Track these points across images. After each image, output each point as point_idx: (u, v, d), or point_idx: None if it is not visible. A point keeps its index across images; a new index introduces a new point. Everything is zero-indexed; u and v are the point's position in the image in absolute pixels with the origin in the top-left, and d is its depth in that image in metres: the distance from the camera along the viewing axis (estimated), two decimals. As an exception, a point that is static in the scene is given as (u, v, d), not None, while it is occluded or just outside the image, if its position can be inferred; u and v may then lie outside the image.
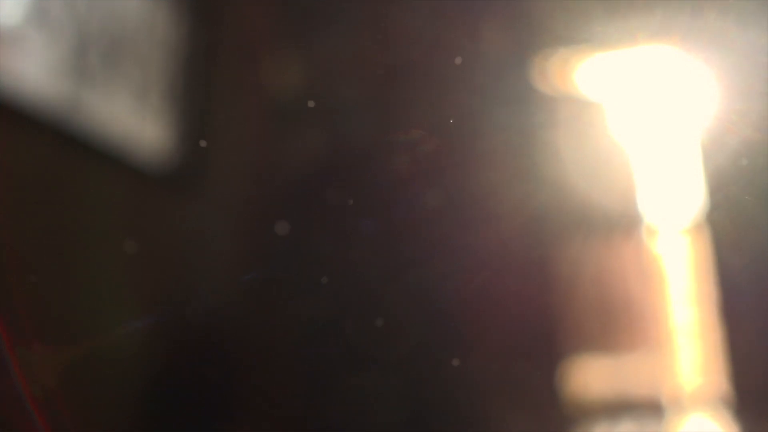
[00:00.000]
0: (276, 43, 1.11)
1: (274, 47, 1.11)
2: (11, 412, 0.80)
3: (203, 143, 1.07)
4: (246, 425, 0.93)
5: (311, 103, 1.03)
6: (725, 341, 1.03)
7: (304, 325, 0.99)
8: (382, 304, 0.97)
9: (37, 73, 0.96)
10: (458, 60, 0.93)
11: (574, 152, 0.98)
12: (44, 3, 0.98)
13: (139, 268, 0.99)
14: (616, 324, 1.06)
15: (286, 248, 1.01)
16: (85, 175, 1.00)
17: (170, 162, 1.08)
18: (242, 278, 0.97)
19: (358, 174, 1.00)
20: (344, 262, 0.97)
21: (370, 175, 0.98)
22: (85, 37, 1.02)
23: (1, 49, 0.94)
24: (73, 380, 0.90)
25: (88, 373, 0.91)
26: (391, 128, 1.00)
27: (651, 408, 1.05)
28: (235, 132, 1.12)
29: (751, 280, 0.95)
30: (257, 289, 0.97)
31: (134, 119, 1.06)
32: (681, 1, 0.91)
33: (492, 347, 0.99)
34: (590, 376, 1.07)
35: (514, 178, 0.95)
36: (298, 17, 1.09)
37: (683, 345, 1.06)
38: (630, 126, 1.01)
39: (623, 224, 1.03)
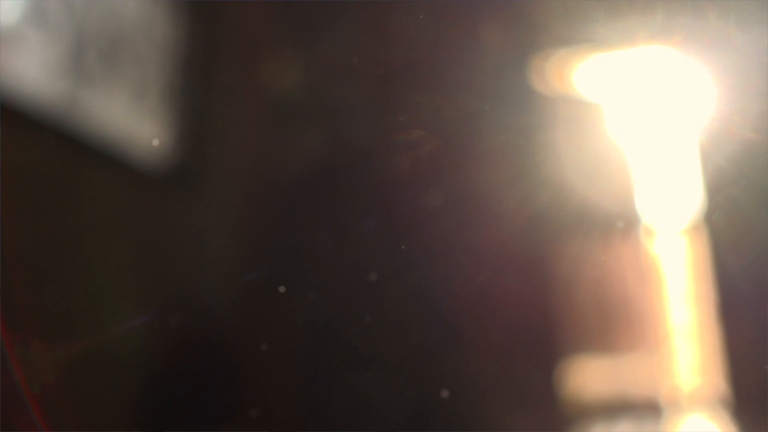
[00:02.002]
0: (276, 43, 1.11)
1: (274, 47, 1.11)
2: (11, 410, 0.80)
3: (156, 142, 1.06)
4: (246, 424, 0.93)
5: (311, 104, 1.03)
6: (723, 342, 1.03)
7: (305, 325, 0.99)
8: (382, 304, 0.97)
9: (37, 73, 0.96)
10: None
11: (574, 152, 0.98)
12: (43, 3, 0.98)
13: (139, 267, 0.99)
14: (614, 324, 1.06)
15: (286, 248, 1.01)
16: (84, 175, 1.00)
17: (170, 162, 1.08)
18: (243, 278, 0.97)
19: (358, 174, 1.00)
20: (344, 262, 0.97)
21: (370, 175, 0.98)
22: (84, 37, 1.02)
23: (1, 49, 0.94)
24: (73, 378, 0.90)
25: (88, 371, 0.91)
26: (391, 128, 1.00)
27: (649, 408, 1.05)
28: (234, 132, 1.12)
29: (749, 281, 0.95)
30: (258, 288, 0.97)
31: (133, 119, 1.06)
32: (681, 2, 0.91)
33: (492, 347, 0.99)
34: (589, 377, 1.07)
35: (514, 178, 0.95)
36: (298, 17, 1.09)
37: (681, 345, 1.06)
38: (629, 127, 1.01)
39: (622, 225, 1.03)
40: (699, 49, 0.92)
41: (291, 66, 1.10)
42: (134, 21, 1.07)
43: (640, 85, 0.99)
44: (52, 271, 0.94)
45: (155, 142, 1.05)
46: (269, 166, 1.10)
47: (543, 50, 1.01)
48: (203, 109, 1.13)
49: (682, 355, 1.06)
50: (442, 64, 0.98)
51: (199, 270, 1.04)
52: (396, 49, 1.00)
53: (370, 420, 0.96)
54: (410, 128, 0.97)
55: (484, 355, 0.99)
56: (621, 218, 1.02)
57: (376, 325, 0.96)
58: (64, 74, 0.99)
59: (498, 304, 0.98)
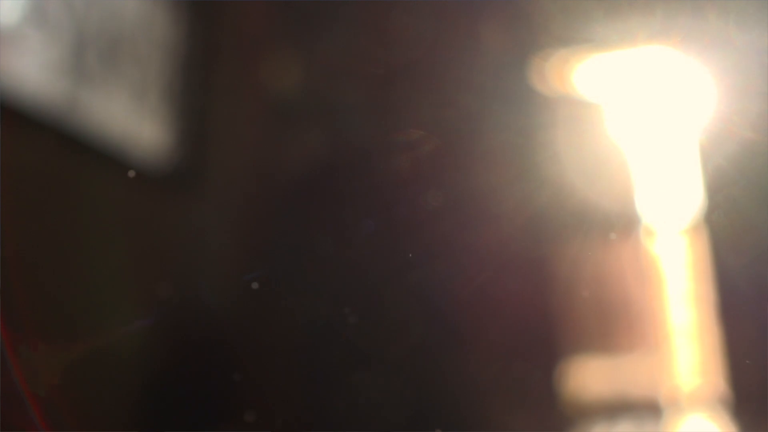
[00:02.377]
0: (276, 44, 1.11)
1: (274, 47, 1.11)
2: (11, 411, 0.80)
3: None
4: (246, 424, 0.93)
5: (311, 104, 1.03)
6: (723, 342, 1.03)
7: (305, 325, 0.99)
8: (382, 304, 0.97)
9: (37, 73, 0.96)
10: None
11: (574, 152, 0.98)
12: (43, 3, 0.98)
13: (139, 267, 0.99)
14: (614, 324, 1.06)
15: (286, 248, 1.01)
16: (84, 175, 1.00)
17: (169, 162, 1.08)
18: (243, 278, 0.97)
19: (358, 174, 1.00)
20: (344, 262, 0.97)
21: (370, 175, 0.99)
22: (84, 37, 1.02)
23: (1, 49, 0.94)
24: (73, 378, 0.90)
25: (88, 371, 0.91)
26: (391, 128, 1.00)
27: (649, 408, 1.05)
28: (234, 132, 1.12)
29: (749, 281, 0.95)
30: (258, 288, 0.97)
31: (133, 119, 1.06)
32: (681, 2, 0.91)
33: (492, 347, 0.99)
34: (589, 376, 1.07)
35: (514, 178, 0.95)
36: (297, 17, 1.09)
37: (681, 345, 1.06)
38: (629, 127, 1.01)
39: (622, 225, 1.03)
40: (699, 49, 0.92)
41: (291, 66, 1.10)
42: (134, 21, 1.07)
43: (640, 85, 0.99)
44: (52, 271, 0.94)
45: (156, 143, 1.05)
46: (269, 166, 1.10)
47: (543, 50, 1.02)
48: (203, 109, 1.13)
49: (682, 355, 1.06)
50: (442, 64, 0.98)
51: (199, 270, 1.04)
52: (396, 49, 1.00)
53: (370, 420, 0.96)
54: (410, 128, 0.97)
55: (484, 355, 0.99)
56: (621, 218, 1.02)
57: (376, 325, 0.96)
58: (64, 74, 0.99)
59: (498, 304, 0.98)
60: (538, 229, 0.99)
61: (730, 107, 0.90)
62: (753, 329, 0.96)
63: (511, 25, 1.01)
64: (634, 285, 1.06)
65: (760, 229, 0.91)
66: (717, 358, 1.04)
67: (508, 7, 1.02)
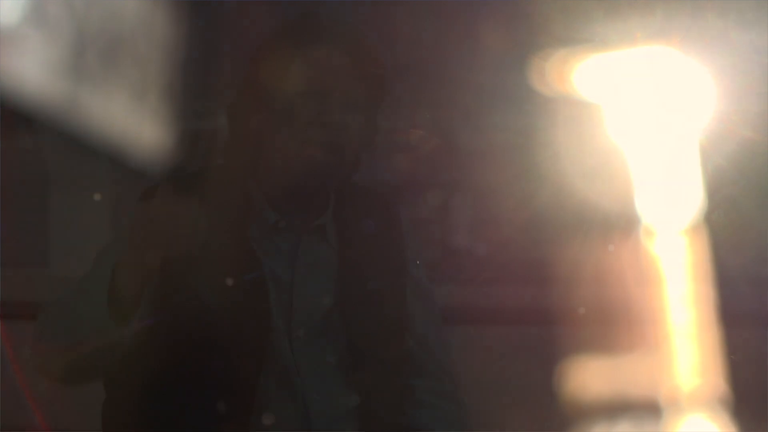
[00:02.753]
0: (276, 43, 1.11)
1: (274, 47, 1.11)
2: (11, 412, 0.80)
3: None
4: (246, 425, 0.93)
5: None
6: (723, 342, 1.03)
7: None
8: (382, 304, 0.97)
9: (37, 73, 0.96)
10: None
11: (574, 152, 0.98)
12: (43, 3, 0.98)
13: (139, 266, 0.99)
14: (614, 324, 1.06)
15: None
16: (85, 175, 1.00)
17: (169, 162, 1.08)
18: (243, 278, 0.97)
19: (358, 174, 1.00)
20: (344, 262, 0.97)
21: (370, 175, 0.99)
22: (84, 37, 1.02)
23: (1, 49, 0.94)
24: (74, 379, 0.90)
25: (89, 371, 0.91)
26: (391, 128, 1.00)
27: (649, 408, 1.05)
28: (234, 131, 1.11)
29: (749, 281, 0.96)
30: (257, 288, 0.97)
31: (133, 119, 1.06)
32: (681, 2, 0.91)
33: (492, 347, 0.99)
34: (589, 377, 1.07)
35: (514, 178, 0.95)
36: (297, 17, 1.09)
37: (681, 346, 1.06)
38: (629, 126, 1.01)
39: (622, 225, 1.03)
40: (699, 49, 0.92)
41: (291, 66, 1.10)
42: (134, 21, 1.07)
43: (640, 85, 0.98)
44: (52, 271, 0.94)
45: (155, 142, 1.05)
46: (270, 165, 1.10)
47: (543, 50, 1.01)
48: (203, 109, 1.13)
49: (682, 355, 1.06)
50: (442, 64, 0.98)
51: (201, 271, 1.04)
52: (396, 49, 1.00)
53: (370, 419, 0.96)
54: (410, 128, 0.97)
55: (484, 355, 1.00)
56: (621, 218, 1.02)
57: (375, 324, 0.96)
58: (64, 74, 0.99)
59: (498, 303, 0.99)
60: (538, 229, 0.99)
61: (730, 107, 0.90)
62: (753, 329, 0.96)
63: (511, 25, 1.01)
64: (634, 285, 1.06)
65: (760, 229, 0.91)
66: (717, 358, 1.04)
67: (508, 7, 1.02)
